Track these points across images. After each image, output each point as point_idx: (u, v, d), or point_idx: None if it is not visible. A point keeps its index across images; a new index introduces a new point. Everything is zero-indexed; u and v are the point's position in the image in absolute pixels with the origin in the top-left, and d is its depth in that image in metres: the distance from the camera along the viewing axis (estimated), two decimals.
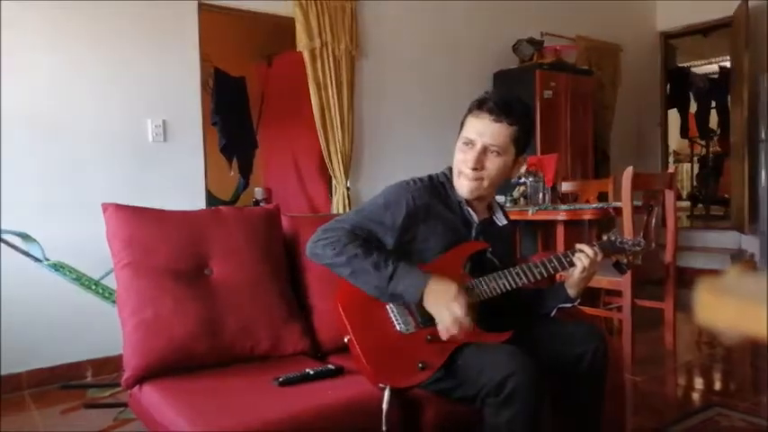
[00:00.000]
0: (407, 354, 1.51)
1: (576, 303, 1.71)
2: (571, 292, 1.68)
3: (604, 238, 1.74)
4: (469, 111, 1.66)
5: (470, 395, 1.46)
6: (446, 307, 1.46)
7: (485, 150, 1.61)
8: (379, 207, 1.62)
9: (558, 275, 1.74)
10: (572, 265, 1.63)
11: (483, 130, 1.61)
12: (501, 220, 1.77)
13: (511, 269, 1.61)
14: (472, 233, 1.67)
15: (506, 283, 1.59)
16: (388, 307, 1.56)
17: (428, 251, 1.61)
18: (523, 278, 1.60)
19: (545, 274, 1.62)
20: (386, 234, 1.59)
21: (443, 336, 1.48)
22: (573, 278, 1.65)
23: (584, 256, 1.61)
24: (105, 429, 2.50)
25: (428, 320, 1.54)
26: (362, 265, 1.52)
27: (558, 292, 1.71)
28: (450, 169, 1.72)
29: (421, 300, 1.49)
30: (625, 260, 1.74)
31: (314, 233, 1.61)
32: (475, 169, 1.61)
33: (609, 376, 1.68)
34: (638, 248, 1.73)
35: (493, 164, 1.62)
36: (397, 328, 1.54)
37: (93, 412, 2.69)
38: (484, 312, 1.59)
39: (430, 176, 1.72)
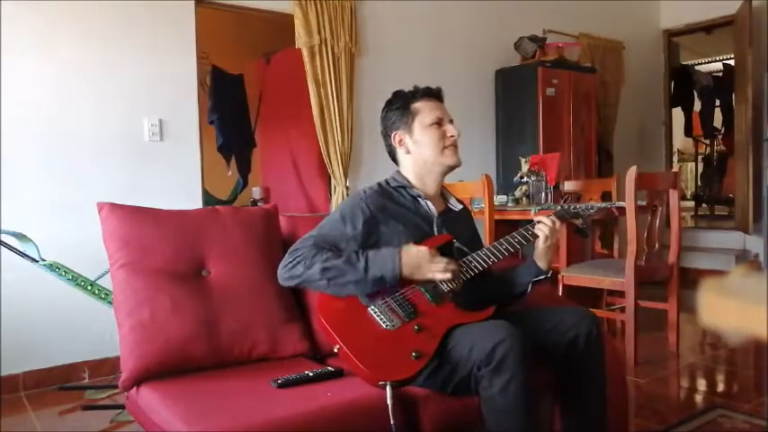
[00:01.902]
0: (400, 347, 1.52)
1: (548, 275, 1.77)
2: (541, 263, 1.74)
3: (558, 207, 1.83)
4: (410, 100, 1.77)
5: (465, 377, 1.48)
6: (428, 268, 1.59)
7: (451, 123, 1.77)
8: (338, 221, 1.70)
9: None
10: (535, 236, 1.72)
11: (440, 110, 1.77)
12: (456, 206, 1.85)
13: (478, 251, 1.69)
14: (434, 227, 1.74)
15: (477, 265, 1.67)
16: (370, 309, 1.60)
17: None
18: (492, 257, 1.68)
19: (512, 250, 1.70)
20: (349, 244, 1.66)
21: (448, 276, 1.59)
22: (539, 249, 1.73)
23: (543, 225, 1.71)
24: (103, 431, 2.49)
25: (412, 312, 1.58)
26: (336, 268, 1.58)
27: (529, 268, 1.77)
28: (398, 173, 1.81)
29: (400, 271, 1.57)
30: (584, 225, 1.82)
31: (282, 260, 1.69)
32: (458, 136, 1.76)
33: (610, 377, 1.68)
34: (592, 211, 1.80)
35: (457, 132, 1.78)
36: (384, 326, 1.56)
37: (91, 414, 2.68)
38: (463, 300, 1.63)
39: (379, 183, 1.80)
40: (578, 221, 1.80)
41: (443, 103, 1.81)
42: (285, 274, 1.67)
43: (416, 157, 1.76)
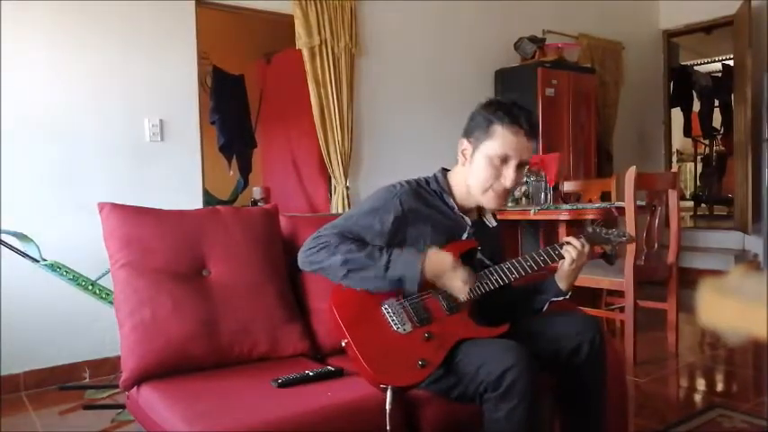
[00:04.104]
0: (407, 353, 1.50)
1: (567, 296, 1.73)
2: (562, 285, 1.70)
3: (589, 229, 1.76)
4: (498, 121, 1.60)
5: (470, 392, 1.47)
6: (449, 276, 1.55)
7: (519, 166, 1.62)
8: (367, 213, 1.64)
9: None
10: (561, 257, 1.66)
11: (520, 147, 1.61)
12: (491, 222, 1.79)
13: (501, 265, 1.64)
14: (464, 236, 1.69)
15: (498, 279, 1.62)
16: (383, 309, 1.57)
17: None
18: (515, 273, 1.63)
19: (535, 268, 1.65)
20: (375, 239, 1.61)
21: (462, 297, 1.56)
22: (563, 270, 1.68)
23: (571, 248, 1.64)
24: (103, 431, 2.49)
25: (425, 319, 1.56)
26: (357, 261, 1.54)
27: (549, 287, 1.73)
28: (443, 172, 1.74)
29: (421, 277, 1.53)
30: (612, 251, 1.76)
31: (304, 244, 1.63)
32: (513, 187, 1.63)
33: (610, 377, 1.68)
34: (623, 239, 1.76)
35: (520, 176, 1.65)
36: (395, 328, 1.54)
37: (92, 413, 2.68)
38: (479, 310, 1.61)
39: (417, 180, 1.73)
40: (607, 247, 1.74)
41: (530, 140, 1.63)
42: (306, 258, 1.61)
43: (466, 177, 1.67)
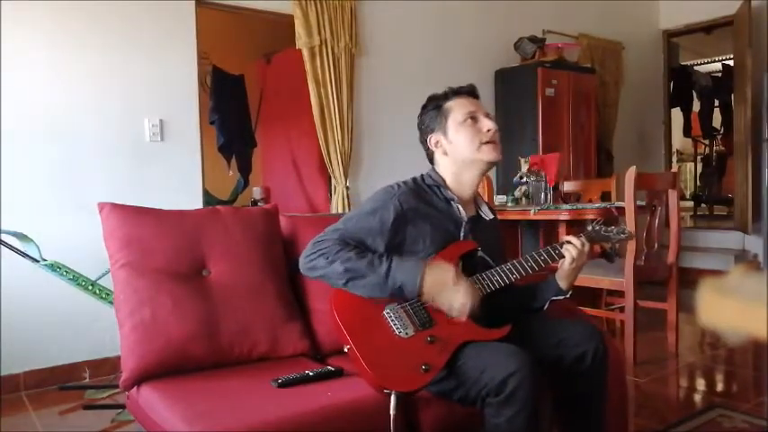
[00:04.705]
0: (410, 357, 1.50)
1: (568, 295, 1.73)
2: (562, 284, 1.70)
3: (589, 228, 1.75)
4: (444, 101, 1.75)
5: (472, 395, 1.46)
6: (449, 293, 1.52)
7: (486, 117, 1.72)
8: (367, 214, 1.64)
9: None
10: (561, 256, 1.66)
11: (474, 104, 1.74)
12: (487, 215, 1.80)
13: (502, 265, 1.65)
14: (461, 232, 1.69)
15: (500, 280, 1.63)
16: (385, 313, 1.56)
17: (419, 253, 1.62)
18: (515, 273, 1.64)
19: (536, 268, 1.65)
20: (375, 240, 1.61)
21: (456, 317, 1.53)
22: (563, 269, 1.68)
23: (572, 246, 1.65)
24: (103, 431, 2.49)
25: (427, 322, 1.55)
26: (358, 268, 1.54)
27: (550, 286, 1.73)
28: (435, 171, 1.76)
29: (421, 287, 1.52)
30: (611, 249, 1.76)
31: (305, 249, 1.63)
32: (496, 131, 1.70)
33: (610, 377, 1.68)
34: (623, 236, 1.76)
35: (494, 125, 1.71)
36: (397, 333, 1.53)
37: (92, 413, 2.68)
38: (479, 310, 1.60)
39: (414, 179, 1.75)
40: (607, 245, 1.75)
41: (479, 100, 1.78)
42: (306, 264, 1.61)
43: (454, 157, 1.71)
